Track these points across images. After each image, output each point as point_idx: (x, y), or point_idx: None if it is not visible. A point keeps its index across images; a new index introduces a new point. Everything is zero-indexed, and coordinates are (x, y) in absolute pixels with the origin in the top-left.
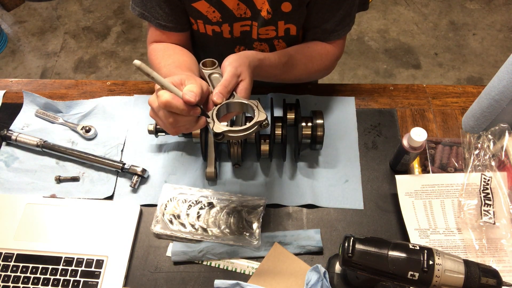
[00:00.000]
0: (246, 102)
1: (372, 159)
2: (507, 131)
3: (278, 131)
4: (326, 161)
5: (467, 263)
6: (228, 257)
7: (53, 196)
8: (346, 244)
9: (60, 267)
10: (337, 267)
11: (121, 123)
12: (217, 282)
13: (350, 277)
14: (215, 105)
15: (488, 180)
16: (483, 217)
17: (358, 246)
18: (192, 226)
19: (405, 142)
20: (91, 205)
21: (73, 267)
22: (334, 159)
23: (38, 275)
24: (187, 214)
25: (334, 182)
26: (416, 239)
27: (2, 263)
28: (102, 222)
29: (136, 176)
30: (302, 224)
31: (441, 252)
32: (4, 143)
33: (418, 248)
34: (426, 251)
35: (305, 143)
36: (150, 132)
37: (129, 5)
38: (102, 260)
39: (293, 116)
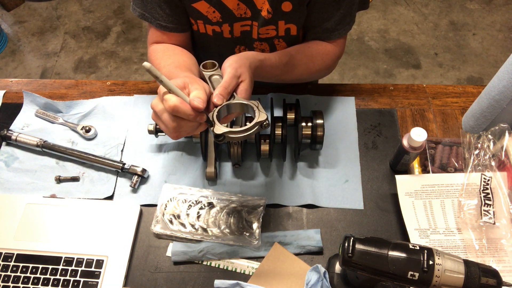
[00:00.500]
0: (246, 102)
1: (372, 159)
2: (507, 131)
3: (278, 131)
4: (326, 161)
5: (467, 263)
6: (228, 257)
7: (53, 196)
8: (346, 244)
9: (60, 267)
10: (337, 267)
11: (121, 123)
12: (217, 282)
13: (350, 277)
14: (216, 106)
15: (488, 180)
16: (483, 217)
17: (358, 246)
18: (192, 226)
19: (405, 142)
20: (91, 205)
21: (73, 267)
22: (334, 159)
23: (38, 275)
24: (187, 214)
25: (334, 182)
26: (416, 239)
27: (2, 263)
28: (102, 222)
29: (136, 176)
30: (302, 224)
31: (441, 252)
32: (4, 143)
33: (418, 248)
34: (426, 251)
35: (305, 143)
36: (150, 132)
37: (129, 5)
38: (102, 260)
39: (293, 116)
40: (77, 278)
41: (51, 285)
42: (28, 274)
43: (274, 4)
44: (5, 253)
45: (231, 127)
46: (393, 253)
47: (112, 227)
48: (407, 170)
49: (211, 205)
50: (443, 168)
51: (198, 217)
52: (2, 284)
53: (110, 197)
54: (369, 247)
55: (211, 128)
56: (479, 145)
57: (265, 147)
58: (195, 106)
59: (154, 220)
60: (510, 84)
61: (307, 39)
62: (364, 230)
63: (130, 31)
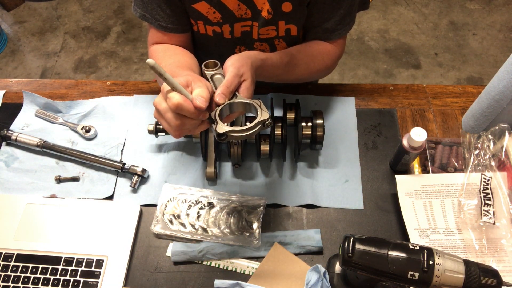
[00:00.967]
0: (248, 101)
1: (372, 159)
2: (507, 131)
3: (278, 131)
4: (326, 161)
5: (467, 263)
6: (228, 257)
7: (53, 196)
8: (346, 244)
9: (60, 267)
10: (337, 267)
11: (121, 123)
12: (217, 282)
13: (350, 277)
14: (218, 105)
15: (488, 180)
16: (483, 217)
17: (358, 246)
18: (192, 226)
19: (405, 142)
20: (91, 205)
21: (73, 267)
22: (334, 159)
23: (38, 275)
24: (187, 214)
25: (334, 182)
26: (416, 239)
27: (2, 263)
28: (102, 222)
29: (136, 176)
30: (302, 224)
31: (441, 252)
32: (4, 143)
33: (418, 248)
34: (426, 251)
35: (305, 143)
36: (150, 132)
37: (129, 5)
38: (102, 260)
39: (293, 116)
40: (77, 278)
41: (51, 285)
42: (28, 274)
43: (274, 5)
44: (5, 253)
45: (232, 126)
46: (393, 253)
47: (112, 227)
48: (407, 170)
49: (211, 205)
50: (443, 168)
51: (198, 217)
52: (2, 284)
53: (110, 197)
54: (369, 247)
55: (214, 127)
56: (479, 145)
57: (265, 147)
58: (198, 105)
59: (154, 220)
60: (510, 84)
61: (307, 39)
62: (364, 230)
63: (130, 31)
